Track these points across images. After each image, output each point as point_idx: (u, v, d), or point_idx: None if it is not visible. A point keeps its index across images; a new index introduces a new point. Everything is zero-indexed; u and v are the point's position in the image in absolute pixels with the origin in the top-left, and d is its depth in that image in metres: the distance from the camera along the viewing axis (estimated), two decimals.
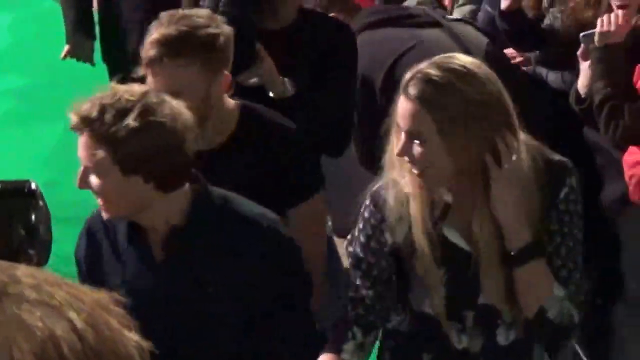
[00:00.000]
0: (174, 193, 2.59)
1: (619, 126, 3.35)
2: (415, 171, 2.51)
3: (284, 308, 2.68)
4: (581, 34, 3.47)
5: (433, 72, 2.48)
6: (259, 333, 2.68)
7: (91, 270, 2.75)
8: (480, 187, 2.51)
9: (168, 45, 2.86)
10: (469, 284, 2.61)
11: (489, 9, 4.11)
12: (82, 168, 2.54)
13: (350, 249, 2.77)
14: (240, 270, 2.65)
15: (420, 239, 2.58)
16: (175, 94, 2.86)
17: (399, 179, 2.60)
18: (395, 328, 2.83)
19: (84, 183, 2.56)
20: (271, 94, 3.37)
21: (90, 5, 4.57)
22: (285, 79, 3.35)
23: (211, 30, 2.91)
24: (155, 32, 2.90)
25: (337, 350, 2.74)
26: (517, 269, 2.50)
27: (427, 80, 2.47)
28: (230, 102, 3.07)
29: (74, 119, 2.47)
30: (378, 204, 2.65)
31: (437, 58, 2.55)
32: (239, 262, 2.65)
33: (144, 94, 2.50)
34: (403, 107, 2.50)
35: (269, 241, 2.68)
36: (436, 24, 3.82)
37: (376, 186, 2.66)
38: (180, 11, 3.02)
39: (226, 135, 3.04)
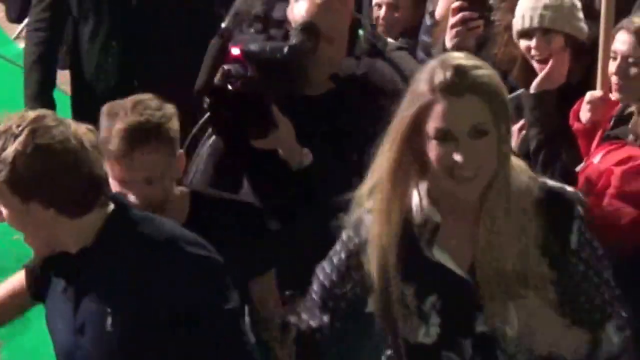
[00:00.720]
0: (85, 218, 2.55)
1: (555, 170, 3.38)
2: (462, 179, 2.35)
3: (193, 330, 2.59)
4: None
5: (468, 62, 2.36)
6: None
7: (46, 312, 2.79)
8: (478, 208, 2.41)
9: (137, 134, 2.90)
10: (464, 310, 2.53)
11: (425, 38, 4.08)
12: None
13: (321, 275, 2.67)
14: (142, 295, 2.58)
15: (391, 262, 2.46)
16: (150, 180, 2.94)
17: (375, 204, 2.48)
18: None
19: None
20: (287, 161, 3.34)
21: (51, 86, 4.41)
22: (305, 149, 3.30)
23: (164, 112, 2.97)
24: (117, 124, 2.91)
25: None
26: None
27: (473, 68, 2.35)
28: (180, 189, 3.13)
29: None
30: (357, 227, 2.56)
31: (448, 56, 2.44)
32: (143, 286, 2.59)
33: (36, 118, 2.49)
34: (453, 107, 2.32)
35: (178, 263, 2.61)
36: (378, 53, 3.76)
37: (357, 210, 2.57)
38: (133, 98, 3.03)
39: (181, 221, 3.06)
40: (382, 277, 2.48)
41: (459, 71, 2.33)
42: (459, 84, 2.32)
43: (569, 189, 2.50)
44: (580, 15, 3.53)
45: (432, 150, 2.35)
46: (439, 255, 2.47)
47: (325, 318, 2.65)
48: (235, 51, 3.33)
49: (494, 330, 2.48)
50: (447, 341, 2.53)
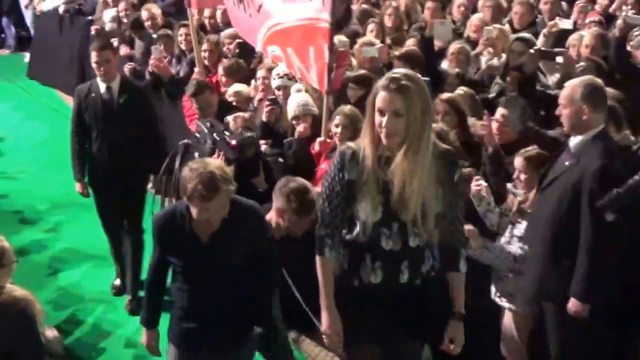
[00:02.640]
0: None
1: None
2: (385, 137, 3.37)
3: (264, 260, 4.22)
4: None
5: (405, 79, 3.39)
6: (255, 273, 4.18)
7: (166, 241, 4.27)
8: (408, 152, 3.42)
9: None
10: (395, 205, 3.50)
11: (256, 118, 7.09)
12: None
13: (322, 188, 3.65)
14: (246, 238, 4.00)
15: (371, 176, 3.43)
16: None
17: (357, 144, 3.51)
18: (349, 240, 3.70)
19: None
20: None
21: (83, 161, 7.01)
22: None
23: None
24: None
25: (322, 254, 3.74)
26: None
27: (404, 78, 3.38)
28: None
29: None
30: (341, 157, 3.58)
31: (393, 73, 3.44)
32: (246, 232, 4.01)
33: None
34: (388, 97, 3.36)
35: (259, 221, 4.16)
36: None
37: (340, 148, 3.65)
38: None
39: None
40: (370, 174, 3.49)
41: (393, 78, 3.40)
42: (389, 86, 3.39)
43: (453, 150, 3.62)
44: (313, 104, 6.46)
45: (376, 118, 3.43)
46: (387, 174, 3.53)
47: (326, 208, 3.70)
48: (233, 142, 5.58)
49: (410, 218, 3.55)
50: (384, 221, 3.59)
